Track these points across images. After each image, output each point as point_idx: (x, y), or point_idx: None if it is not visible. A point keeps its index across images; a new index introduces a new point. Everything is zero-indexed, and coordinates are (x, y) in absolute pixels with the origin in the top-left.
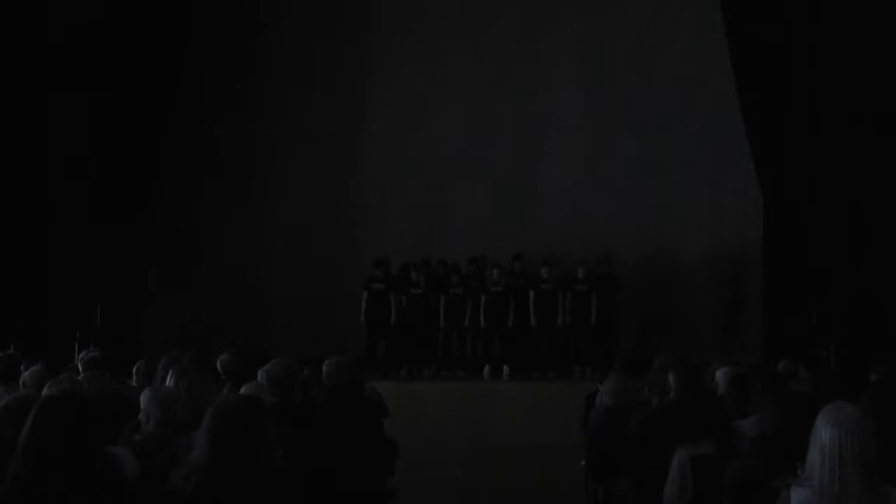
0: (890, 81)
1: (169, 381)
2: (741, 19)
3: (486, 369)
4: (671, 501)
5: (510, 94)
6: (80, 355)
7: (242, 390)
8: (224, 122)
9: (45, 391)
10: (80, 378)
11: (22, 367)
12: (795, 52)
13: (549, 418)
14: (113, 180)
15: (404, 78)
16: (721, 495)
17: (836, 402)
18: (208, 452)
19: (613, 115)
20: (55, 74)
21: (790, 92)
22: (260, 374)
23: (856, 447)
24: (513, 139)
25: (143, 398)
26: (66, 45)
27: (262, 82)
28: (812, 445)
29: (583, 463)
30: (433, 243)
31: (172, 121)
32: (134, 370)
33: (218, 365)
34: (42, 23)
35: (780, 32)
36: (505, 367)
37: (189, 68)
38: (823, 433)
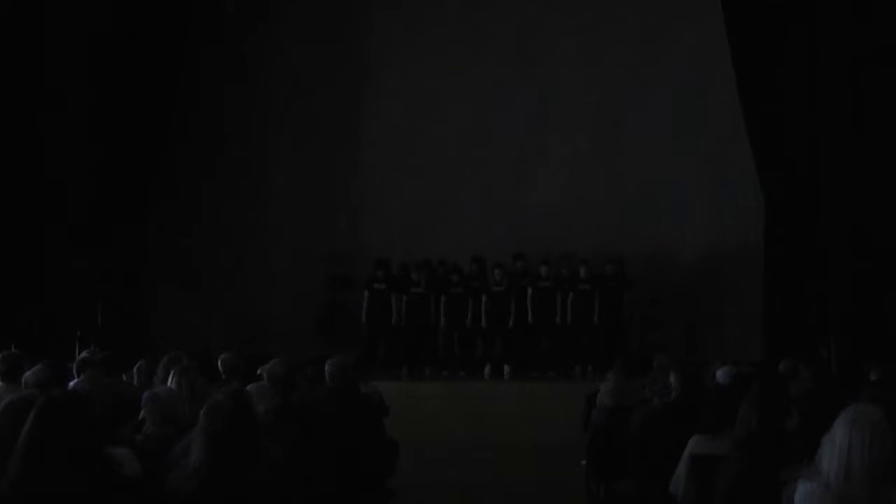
0: (890, 81)
1: (170, 381)
2: (741, 19)
3: (487, 369)
4: (678, 485)
5: (511, 94)
6: (81, 355)
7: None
8: (224, 122)
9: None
10: (80, 378)
11: (25, 367)
12: (795, 52)
13: (549, 418)
14: (114, 180)
15: (405, 77)
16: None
17: (861, 405)
18: (204, 453)
19: (614, 115)
20: (55, 74)
21: (790, 92)
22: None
23: (866, 448)
24: (513, 139)
25: (144, 398)
26: (66, 44)
27: (262, 82)
28: (825, 441)
29: (583, 463)
30: (433, 243)
31: (173, 121)
32: (134, 370)
33: (219, 364)
34: (42, 21)
35: (781, 32)
36: (506, 367)
37: (189, 68)
38: (839, 431)
